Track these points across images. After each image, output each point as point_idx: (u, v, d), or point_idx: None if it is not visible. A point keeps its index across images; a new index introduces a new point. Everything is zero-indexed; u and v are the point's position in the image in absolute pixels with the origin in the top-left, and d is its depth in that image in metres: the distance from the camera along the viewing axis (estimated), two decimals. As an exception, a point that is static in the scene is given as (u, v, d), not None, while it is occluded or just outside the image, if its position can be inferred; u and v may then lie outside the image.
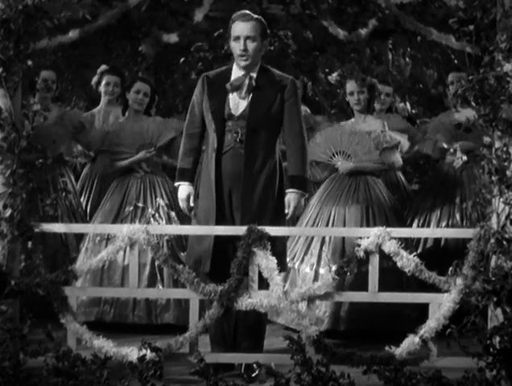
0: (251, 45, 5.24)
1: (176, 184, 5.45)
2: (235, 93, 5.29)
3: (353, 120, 6.72)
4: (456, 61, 9.44)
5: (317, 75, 10.30)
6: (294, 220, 6.59)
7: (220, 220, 5.23)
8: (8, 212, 5.01)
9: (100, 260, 5.18)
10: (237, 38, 5.25)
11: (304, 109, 8.49)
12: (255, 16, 5.30)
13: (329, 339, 5.65)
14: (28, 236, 5.09)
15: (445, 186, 7.19)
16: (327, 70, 10.18)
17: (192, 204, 5.38)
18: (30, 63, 5.08)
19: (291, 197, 5.29)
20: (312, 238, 6.52)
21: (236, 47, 5.27)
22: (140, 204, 6.68)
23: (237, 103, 5.29)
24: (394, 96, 7.94)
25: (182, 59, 10.11)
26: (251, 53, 5.24)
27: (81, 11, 7.38)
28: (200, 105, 5.36)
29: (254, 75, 5.30)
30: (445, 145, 7.17)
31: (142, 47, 9.51)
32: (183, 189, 5.39)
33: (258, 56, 5.31)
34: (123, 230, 5.14)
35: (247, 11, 5.36)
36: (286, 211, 5.31)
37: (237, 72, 5.33)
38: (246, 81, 5.28)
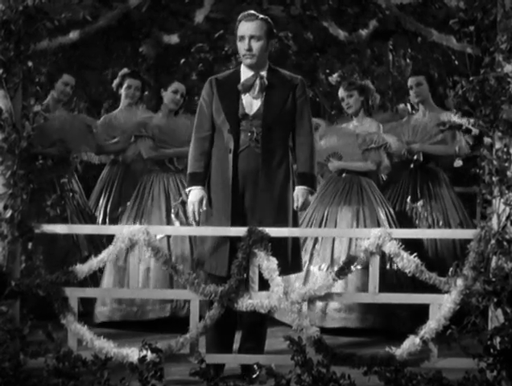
0: (255, 44, 5.24)
1: (188, 189, 5.37)
2: (247, 93, 5.30)
3: (354, 122, 6.85)
4: (456, 62, 9.44)
5: (318, 76, 10.30)
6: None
7: (234, 221, 5.22)
8: (8, 213, 5.01)
9: (100, 260, 5.18)
10: (242, 37, 5.26)
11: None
12: (260, 16, 5.30)
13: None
14: (29, 236, 5.09)
15: (397, 185, 7.26)
16: (327, 71, 10.17)
17: (204, 208, 5.30)
18: (30, 64, 5.08)
19: (299, 192, 5.30)
20: (306, 237, 6.62)
21: (241, 47, 5.29)
22: (185, 199, 6.69)
23: (251, 102, 5.29)
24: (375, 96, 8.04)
25: (182, 60, 10.10)
26: (255, 52, 5.25)
27: (82, 12, 7.38)
28: (209, 108, 5.34)
29: (264, 74, 5.32)
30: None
31: (142, 47, 9.50)
32: (197, 192, 5.31)
33: (265, 56, 5.32)
34: (123, 231, 5.15)
35: (252, 11, 5.37)
36: (295, 205, 5.29)
37: (246, 73, 5.33)
38: (257, 81, 5.28)
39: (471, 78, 4.91)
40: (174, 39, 8.91)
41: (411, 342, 4.98)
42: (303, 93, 5.34)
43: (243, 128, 5.27)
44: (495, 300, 4.79)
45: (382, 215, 6.63)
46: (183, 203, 6.66)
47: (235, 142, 5.24)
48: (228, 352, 5.35)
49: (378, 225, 6.50)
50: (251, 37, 5.24)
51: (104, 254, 5.19)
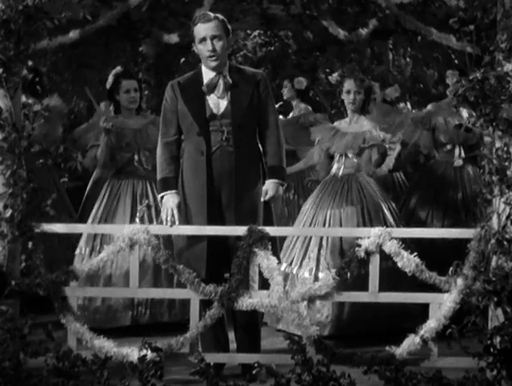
0: (218, 44, 5.24)
1: (161, 195, 5.32)
2: (212, 94, 5.30)
3: (346, 119, 6.78)
4: (456, 61, 9.44)
5: (318, 76, 10.31)
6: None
7: (210, 222, 5.22)
8: (8, 213, 5.01)
9: (100, 260, 5.18)
10: (203, 39, 5.25)
11: (305, 107, 8.54)
12: (215, 15, 5.30)
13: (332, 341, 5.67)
14: (29, 236, 5.09)
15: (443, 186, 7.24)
16: (327, 70, 10.19)
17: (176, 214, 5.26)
18: (30, 63, 5.07)
19: (269, 186, 5.30)
20: (309, 243, 6.49)
21: (203, 49, 5.27)
22: (151, 203, 6.65)
23: (217, 103, 5.30)
24: (398, 101, 8.07)
25: (182, 60, 10.11)
26: (219, 52, 5.25)
27: (82, 12, 7.37)
28: (174, 113, 5.33)
29: (226, 73, 5.32)
30: (443, 140, 7.21)
31: (142, 47, 9.50)
32: (173, 197, 5.28)
33: (226, 54, 5.33)
34: (124, 230, 5.15)
35: (207, 12, 5.39)
36: (262, 198, 5.29)
37: (208, 74, 5.33)
38: (221, 80, 5.29)
39: (471, 77, 4.90)
40: (174, 38, 8.91)
41: (411, 342, 4.99)
42: (266, 88, 5.36)
43: (213, 128, 5.28)
44: (495, 299, 4.79)
45: (386, 211, 6.57)
46: (149, 207, 6.63)
47: (206, 144, 5.25)
48: (223, 349, 5.36)
49: (384, 220, 6.44)
50: (213, 37, 5.24)
51: (104, 253, 5.19)
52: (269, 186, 5.30)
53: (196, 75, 5.39)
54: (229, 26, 5.35)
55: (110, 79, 6.87)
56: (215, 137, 5.27)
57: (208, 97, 5.31)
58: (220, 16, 5.32)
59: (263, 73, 5.49)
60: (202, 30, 5.25)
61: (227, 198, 5.26)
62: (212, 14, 5.29)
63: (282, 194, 5.41)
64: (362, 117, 6.73)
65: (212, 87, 5.30)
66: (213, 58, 5.25)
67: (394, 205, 6.74)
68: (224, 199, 5.27)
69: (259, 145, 5.39)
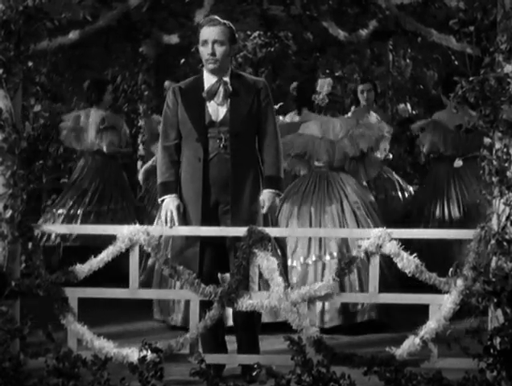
0: (219, 49, 5.24)
1: (161, 198, 5.33)
2: (212, 101, 5.30)
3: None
4: (456, 62, 9.45)
5: (318, 76, 10.31)
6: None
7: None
8: (8, 213, 5.01)
9: (100, 260, 5.17)
10: (205, 42, 5.26)
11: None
12: (223, 21, 5.31)
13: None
14: (28, 236, 5.09)
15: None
16: (327, 71, 10.19)
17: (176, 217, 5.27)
18: (30, 64, 5.08)
19: (265, 196, 5.31)
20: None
21: (204, 52, 5.28)
22: None
23: (217, 109, 5.30)
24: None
25: (182, 60, 10.11)
26: (219, 57, 5.25)
27: (82, 12, 7.38)
28: (174, 117, 5.34)
29: (227, 80, 5.32)
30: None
31: (142, 48, 9.51)
32: (173, 200, 5.28)
33: (227, 61, 5.32)
34: (123, 231, 5.15)
35: (215, 16, 5.39)
36: (263, 210, 5.30)
37: (209, 79, 5.33)
38: (221, 87, 5.28)
39: (471, 78, 4.90)
40: (174, 39, 8.93)
41: (411, 343, 4.98)
42: (266, 96, 5.35)
43: (211, 135, 5.28)
44: (495, 300, 4.79)
45: (357, 208, 6.67)
46: None
47: (204, 150, 5.25)
48: (222, 349, 5.36)
49: (355, 216, 6.58)
50: (214, 42, 5.24)
51: (103, 254, 5.19)
52: (265, 197, 5.31)
53: (197, 81, 5.40)
54: (236, 35, 5.36)
55: None
56: (213, 143, 5.28)
57: (208, 104, 5.31)
58: (228, 23, 5.32)
59: (265, 81, 5.47)
60: (206, 33, 5.26)
61: (223, 205, 5.28)
62: (220, 20, 5.30)
63: (278, 203, 5.42)
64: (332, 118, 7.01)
65: (212, 93, 5.30)
66: (212, 62, 5.25)
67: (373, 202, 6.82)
68: (220, 207, 5.29)
69: (258, 153, 5.39)
